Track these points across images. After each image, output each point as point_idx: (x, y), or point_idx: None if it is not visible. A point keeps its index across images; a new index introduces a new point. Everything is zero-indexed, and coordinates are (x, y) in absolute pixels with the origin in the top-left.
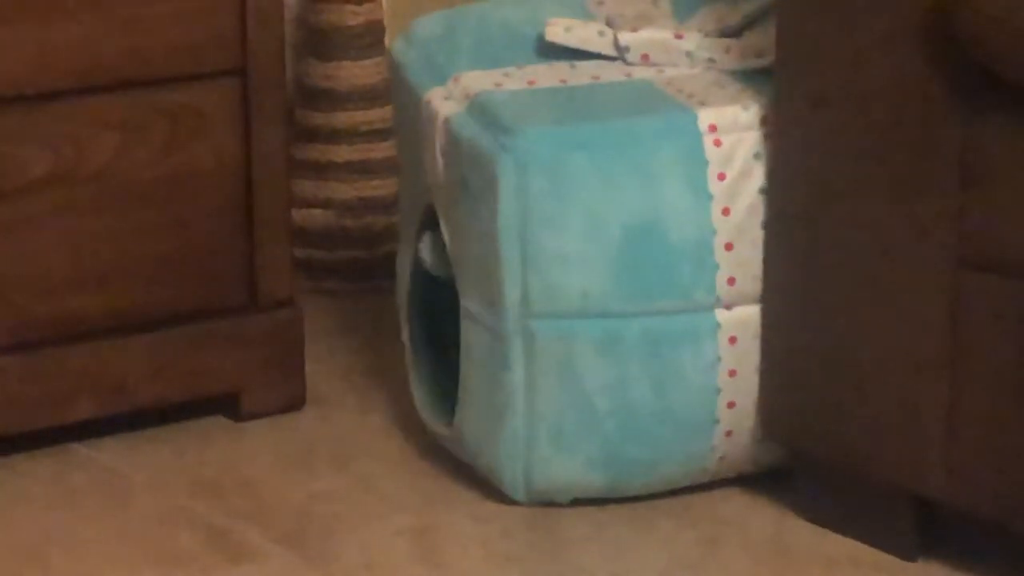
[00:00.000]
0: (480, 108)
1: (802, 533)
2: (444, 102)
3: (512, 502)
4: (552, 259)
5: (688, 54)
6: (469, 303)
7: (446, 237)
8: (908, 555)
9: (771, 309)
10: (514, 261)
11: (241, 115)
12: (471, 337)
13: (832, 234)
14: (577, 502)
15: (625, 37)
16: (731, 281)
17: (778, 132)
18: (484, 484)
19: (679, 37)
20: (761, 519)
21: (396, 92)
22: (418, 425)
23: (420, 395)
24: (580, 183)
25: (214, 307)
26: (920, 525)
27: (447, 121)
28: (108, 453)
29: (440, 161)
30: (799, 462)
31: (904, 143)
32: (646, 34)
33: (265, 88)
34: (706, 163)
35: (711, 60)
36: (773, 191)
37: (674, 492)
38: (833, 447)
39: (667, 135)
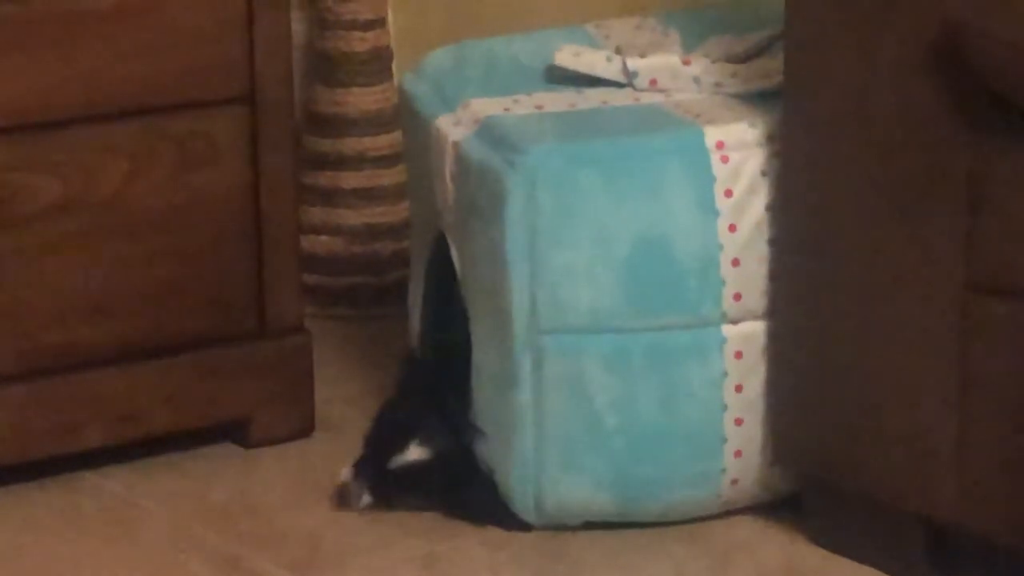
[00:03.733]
0: (489, 131)
1: (814, 558)
2: (453, 127)
3: (523, 526)
4: (560, 274)
5: (696, 79)
6: (479, 324)
7: (456, 263)
8: None
9: (779, 334)
10: (522, 276)
11: (249, 142)
12: (481, 359)
13: (840, 258)
14: (588, 527)
15: (633, 62)
16: (737, 297)
17: (786, 156)
18: None
19: (686, 63)
20: (772, 544)
21: (406, 123)
22: None
23: None
24: (588, 199)
25: (223, 334)
26: (932, 549)
27: (456, 145)
28: (118, 481)
29: (450, 186)
30: (810, 487)
31: (912, 167)
32: (654, 60)
33: (273, 115)
34: (713, 179)
35: (718, 84)
36: (781, 215)
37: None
38: (843, 471)
39: (675, 152)
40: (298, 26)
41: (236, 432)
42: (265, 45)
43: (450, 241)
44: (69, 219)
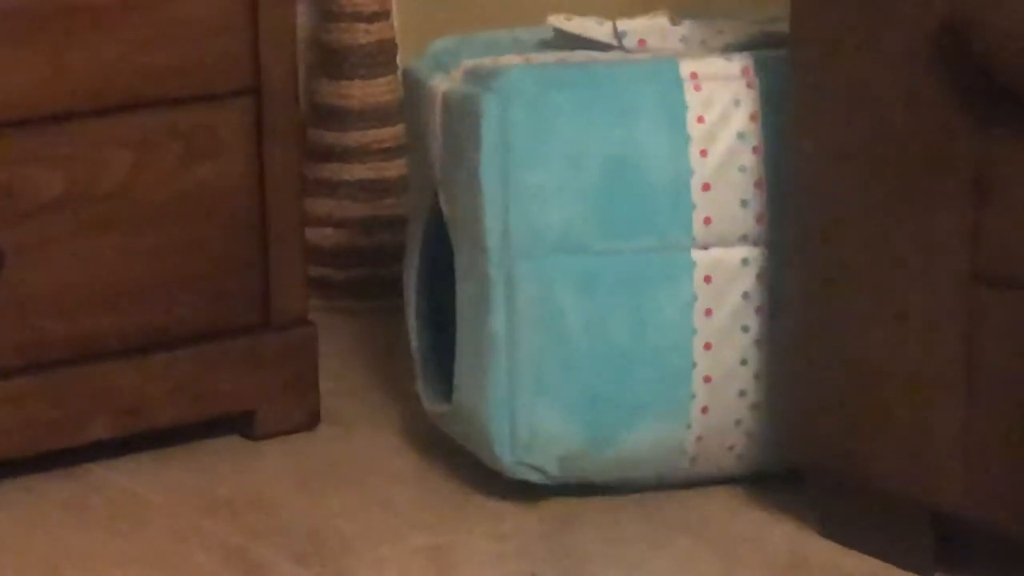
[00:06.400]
0: (473, 73)
1: (819, 549)
2: (444, 83)
3: (520, 498)
4: (533, 195)
5: (683, 38)
6: (462, 258)
7: (444, 208)
8: (926, 571)
9: (787, 325)
10: (496, 196)
11: (254, 135)
12: (463, 295)
13: (847, 249)
14: (593, 519)
15: (623, 24)
16: (707, 221)
17: (792, 148)
18: (500, 501)
19: (675, 24)
20: (778, 535)
21: (408, 103)
22: (433, 442)
23: (425, 382)
24: (561, 118)
25: (228, 326)
26: (938, 540)
27: (445, 95)
28: (124, 473)
29: (439, 136)
30: (816, 477)
31: (918, 159)
32: (643, 20)
33: (278, 108)
34: (685, 106)
35: (703, 42)
36: (788, 207)
37: (690, 507)
38: (850, 463)
39: (648, 79)
40: (303, 18)
41: (241, 424)
42: (270, 37)
43: (440, 194)
44: (74, 212)
